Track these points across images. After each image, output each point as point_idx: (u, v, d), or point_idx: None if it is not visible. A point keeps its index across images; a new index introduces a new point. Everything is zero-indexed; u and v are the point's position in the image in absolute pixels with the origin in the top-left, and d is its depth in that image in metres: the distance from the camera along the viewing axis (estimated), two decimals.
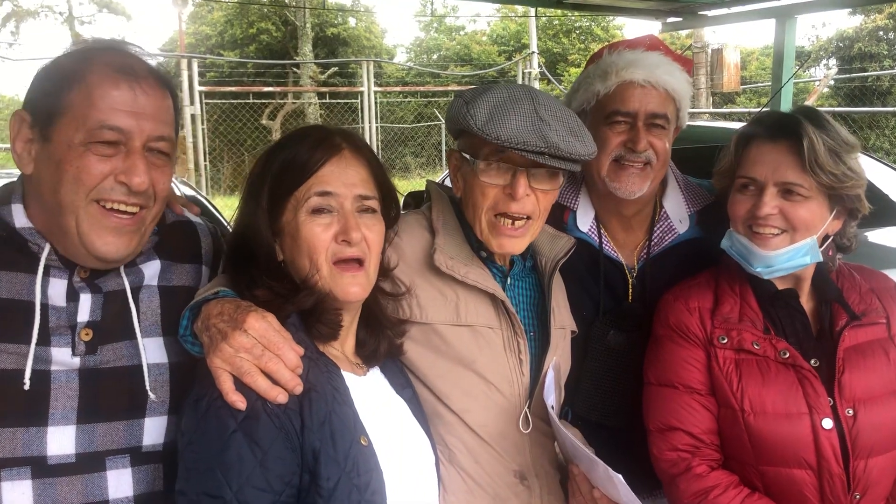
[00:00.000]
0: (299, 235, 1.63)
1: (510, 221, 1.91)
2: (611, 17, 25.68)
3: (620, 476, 1.71)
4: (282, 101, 20.44)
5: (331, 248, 1.63)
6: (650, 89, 2.23)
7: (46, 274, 1.57)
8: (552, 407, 1.91)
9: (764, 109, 6.06)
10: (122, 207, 1.56)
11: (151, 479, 1.61)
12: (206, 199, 5.20)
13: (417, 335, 1.92)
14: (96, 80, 1.53)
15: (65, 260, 1.59)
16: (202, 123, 13.78)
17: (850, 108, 14.34)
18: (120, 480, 1.57)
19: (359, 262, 1.66)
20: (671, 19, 6.74)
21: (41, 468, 1.51)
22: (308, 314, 1.62)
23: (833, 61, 25.77)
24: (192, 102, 13.49)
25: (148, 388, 1.61)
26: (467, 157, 1.93)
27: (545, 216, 1.99)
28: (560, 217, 2.33)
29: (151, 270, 1.73)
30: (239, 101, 16.46)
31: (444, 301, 1.93)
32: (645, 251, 2.37)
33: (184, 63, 13.64)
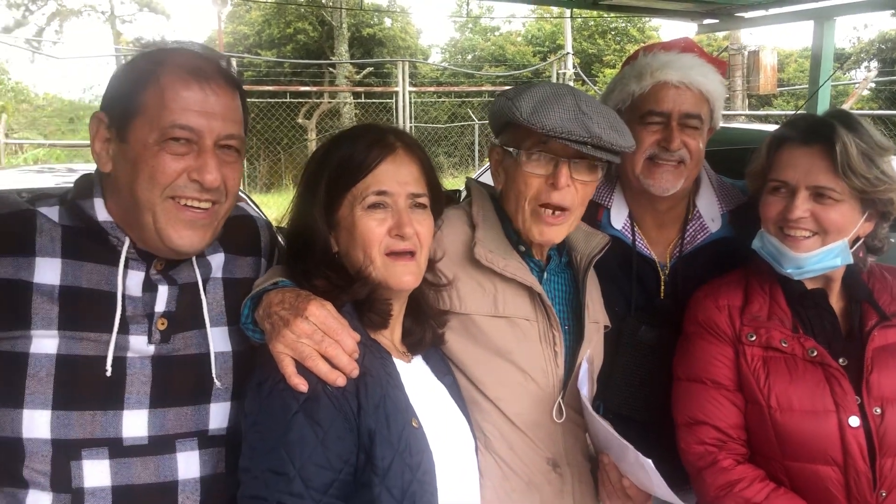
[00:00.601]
0: (355, 230, 1.72)
1: (551, 211, 1.99)
2: (647, 19, 25.56)
3: (650, 461, 1.78)
4: (318, 101, 20.62)
5: (384, 241, 1.72)
6: (684, 90, 2.29)
7: (125, 266, 1.67)
8: (586, 396, 1.98)
9: (800, 112, 6.05)
10: (196, 204, 1.65)
11: (216, 462, 1.71)
12: (246, 195, 5.33)
13: (457, 325, 2.00)
14: (168, 81, 1.61)
15: (142, 252, 1.69)
16: None
17: (891, 111, 14.17)
18: (188, 462, 1.67)
19: (411, 253, 1.75)
20: (707, 21, 6.74)
21: (118, 449, 1.60)
22: (361, 303, 1.72)
23: (874, 63, 25.40)
24: None
25: (214, 375, 1.71)
26: (510, 149, 2.01)
27: (583, 208, 2.07)
28: (594, 215, 2.40)
29: (217, 262, 1.83)
30: (275, 100, 16.64)
31: (483, 293, 2.01)
32: (677, 249, 2.43)
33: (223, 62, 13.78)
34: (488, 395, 2.00)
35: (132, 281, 1.68)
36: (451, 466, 1.74)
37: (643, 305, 2.40)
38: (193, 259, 1.75)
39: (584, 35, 28.46)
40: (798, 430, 1.98)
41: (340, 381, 1.53)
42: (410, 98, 15.55)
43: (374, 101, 18.06)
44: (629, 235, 2.42)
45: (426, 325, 1.89)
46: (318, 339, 1.54)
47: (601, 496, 2.07)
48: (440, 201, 1.90)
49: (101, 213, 1.69)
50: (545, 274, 2.12)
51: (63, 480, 1.57)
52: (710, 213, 2.44)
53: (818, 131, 2.01)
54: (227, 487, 1.67)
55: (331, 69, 24.02)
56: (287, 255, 1.81)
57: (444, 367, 1.96)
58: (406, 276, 1.74)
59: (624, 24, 28.82)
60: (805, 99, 6.60)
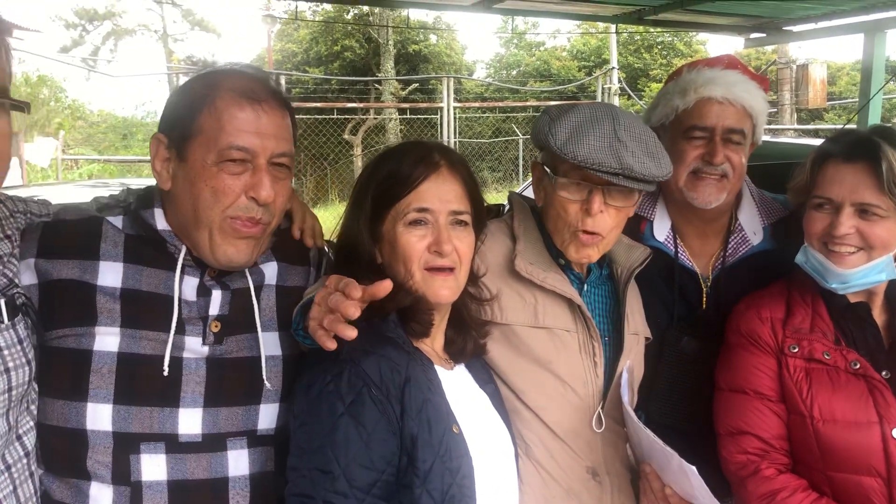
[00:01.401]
0: (397, 244, 1.78)
1: (587, 231, 2.02)
2: (693, 33, 25.39)
3: (694, 468, 1.80)
4: (364, 117, 20.84)
5: (424, 256, 1.78)
6: (728, 105, 2.32)
7: (182, 272, 1.77)
8: (627, 404, 2.01)
9: (849, 126, 5.96)
10: (251, 223, 1.75)
11: (264, 460, 1.78)
12: None
13: (498, 335, 2.04)
14: (223, 104, 1.69)
15: (197, 260, 1.79)
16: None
17: None
18: (238, 460, 1.75)
19: (450, 269, 1.80)
20: (754, 35, 6.71)
21: (174, 444, 1.69)
22: (404, 313, 1.77)
23: None
24: None
25: (265, 377, 1.79)
26: (548, 171, 2.05)
27: (620, 230, 2.10)
28: (637, 227, 2.44)
29: (271, 271, 1.92)
30: (322, 116, 16.87)
31: (524, 304, 2.06)
32: (719, 261, 2.45)
33: (272, 80, 14.02)
34: (529, 403, 2.04)
35: (188, 286, 1.77)
36: (490, 472, 1.78)
37: (685, 316, 2.42)
38: (246, 269, 1.84)
39: (630, 49, 28.35)
40: (841, 440, 1.98)
41: (349, 332, 1.52)
42: (455, 114, 15.63)
43: (419, 117, 18.20)
44: (672, 247, 2.45)
45: (468, 336, 1.94)
46: (327, 295, 1.60)
47: None
48: (483, 218, 1.94)
49: (161, 222, 1.79)
50: (585, 286, 2.16)
51: (123, 473, 1.66)
52: (751, 226, 2.46)
53: (862, 148, 2.02)
54: (275, 486, 1.74)
55: (377, 86, 24.26)
56: (335, 264, 1.87)
57: (487, 376, 2.00)
58: (444, 291, 1.79)
59: (670, 39, 28.66)
60: (856, 113, 6.52)
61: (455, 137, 15.77)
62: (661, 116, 2.43)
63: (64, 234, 1.76)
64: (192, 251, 1.78)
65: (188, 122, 1.71)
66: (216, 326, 1.77)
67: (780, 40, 8.40)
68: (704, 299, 2.43)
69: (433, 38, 28.38)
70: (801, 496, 2.00)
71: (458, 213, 1.81)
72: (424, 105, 18.64)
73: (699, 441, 2.29)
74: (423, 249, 1.77)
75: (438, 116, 15.60)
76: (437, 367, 1.79)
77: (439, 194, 1.79)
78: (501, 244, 2.12)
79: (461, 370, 1.93)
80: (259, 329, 1.81)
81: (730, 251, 2.45)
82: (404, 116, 19.93)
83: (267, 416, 1.79)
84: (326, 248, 2.07)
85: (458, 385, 1.84)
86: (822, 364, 2.05)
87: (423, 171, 1.80)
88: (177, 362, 1.71)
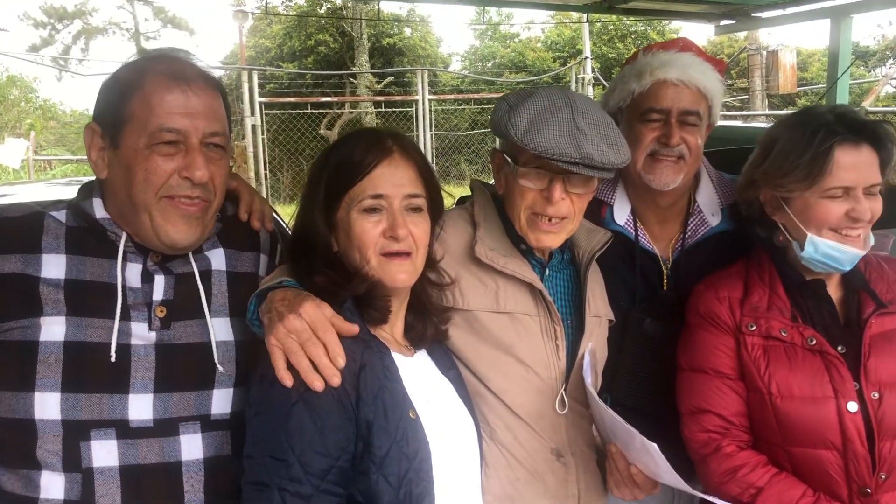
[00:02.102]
0: (352, 231, 1.79)
1: (547, 218, 2.05)
2: (666, 21, 25.51)
3: (655, 445, 1.82)
4: (339, 111, 20.78)
5: (379, 242, 1.78)
6: (683, 87, 2.35)
7: (124, 259, 1.78)
8: (590, 384, 2.03)
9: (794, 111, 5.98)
10: (188, 202, 1.77)
11: (219, 444, 1.79)
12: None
13: (460, 321, 2.06)
14: (152, 88, 1.71)
15: (139, 246, 1.80)
16: (262, 133, 14.12)
17: None
18: (191, 444, 1.76)
19: (406, 254, 1.81)
20: (724, 22, 6.77)
21: (124, 430, 1.70)
22: (361, 300, 1.78)
23: None
24: (252, 113, 13.83)
25: (217, 362, 1.80)
26: (508, 160, 2.07)
27: (581, 215, 2.12)
28: (597, 211, 2.46)
29: (218, 258, 1.92)
30: (297, 111, 16.79)
31: (485, 289, 2.07)
32: (679, 243, 2.48)
33: (244, 75, 13.99)
34: (492, 387, 2.06)
35: (131, 272, 1.79)
36: (450, 456, 1.80)
37: (647, 298, 2.45)
38: (190, 253, 1.85)
39: (604, 39, 28.47)
40: (798, 416, 2.02)
41: (318, 384, 1.58)
42: (430, 106, 15.61)
43: (394, 110, 18.16)
44: (632, 231, 2.48)
45: (428, 321, 1.95)
46: (305, 338, 1.61)
47: (609, 485, 2.12)
48: (439, 204, 1.95)
49: (100, 211, 1.81)
50: (547, 271, 2.18)
51: (74, 460, 1.66)
52: (710, 207, 2.49)
53: (864, 130, 2.05)
54: (232, 470, 1.76)
55: (351, 80, 24.19)
56: (290, 254, 1.88)
57: (449, 362, 2.02)
58: (400, 275, 1.80)
59: (644, 28, 28.79)
60: (822, 97, 6.59)
61: (431, 130, 15.76)
62: (618, 100, 2.45)
63: (6, 231, 1.77)
64: (133, 238, 1.79)
65: (119, 110, 1.73)
66: (161, 312, 1.78)
67: (750, 26, 8.46)
68: (665, 281, 2.47)
69: (408, 31, 28.36)
70: (761, 471, 2.04)
71: (412, 198, 1.82)
72: (399, 98, 18.61)
73: (664, 421, 2.31)
74: (379, 235, 1.78)
75: (414, 109, 15.58)
76: (395, 354, 1.80)
77: (392, 180, 1.80)
78: (462, 231, 2.13)
79: (422, 356, 1.94)
80: (207, 314, 1.82)
81: (689, 233, 2.48)
82: (380, 110, 19.89)
83: (221, 401, 1.80)
84: (280, 235, 2.08)
85: (417, 371, 1.86)
86: (779, 341, 2.08)
87: (376, 157, 1.80)
88: (125, 349, 1.72)
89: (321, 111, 18.70)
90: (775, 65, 13.27)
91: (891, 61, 26.27)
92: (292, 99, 17.19)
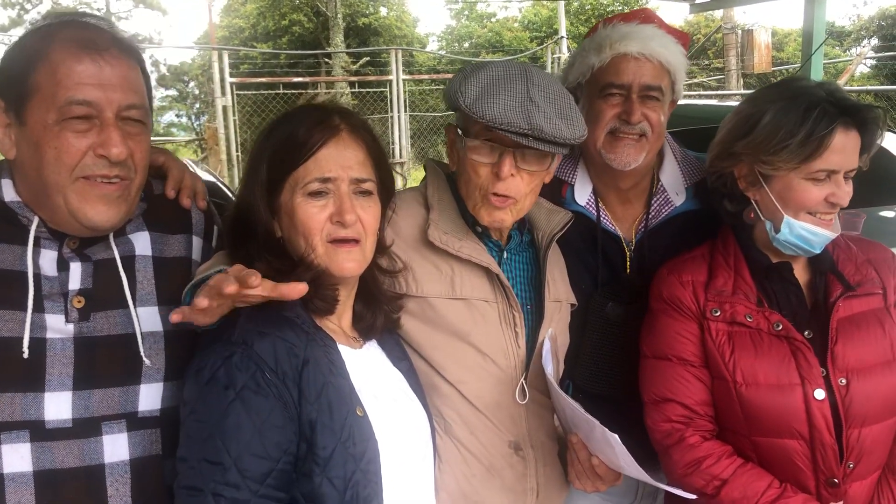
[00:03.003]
0: (296, 216, 1.68)
1: (500, 198, 1.95)
2: (642, 1, 25.43)
3: (616, 436, 1.75)
4: (315, 92, 20.56)
5: (326, 228, 1.68)
6: (644, 61, 2.25)
7: (37, 245, 1.64)
8: (550, 374, 1.95)
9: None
10: (106, 180, 1.62)
11: (149, 444, 1.67)
12: (222, 182, 5.31)
13: (414, 308, 1.97)
14: (59, 57, 1.56)
15: (54, 231, 1.66)
16: (234, 115, 13.92)
17: (891, 87, 14.04)
18: (115, 445, 1.63)
19: (355, 240, 1.71)
20: (700, 0, 6.70)
21: (39, 432, 1.57)
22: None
23: (875, 41, 25.25)
24: (223, 94, 13.61)
25: (143, 354, 1.68)
26: (460, 133, 1.97)
27: (534, 196, 2.02)
28: (558, 191, 2.36)
29: (143, 241, 1.78)
30: (270, 91, 16.57)
31: (440, 275, 1.98)
32: (642, 224, 2.39)
33: (214, 55, 13.76)
34: (448, 378, 1.97)
35: (45, 260, 1.65)
36: (400, 454, 1.71)
37: (609, 281, 2.36)
38: (111, 237, 1.72)
39: (581, 19, 28.31)
40: (764, 404, 1.94)
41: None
42: (405, 86, 15.44)
43: (370, 90, 17.96)
44: (593, 211, 2.38)
45: (378, 310, 1.85)
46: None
47: (570, 477, 2.05)
48: (390, 187, 1.85)
49: (9, 193, 1.66)
50: (505, 254, 2.09)
51: None
52: (674, 186, 2.40)
53: (857, 114, 1.97)
54: (163, 470, 1.65)
55: (327, 60, 23.92)
56: (228, 239, 1.76)
57: (401, 352, 1.93)
58: (348, 263, 1.70)
59: (621, 7, 28.66)
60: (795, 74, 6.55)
61: (406, 111, 15.60)
62: (578, 75, 2.35)
63: None
64: (48, 222, 1.65)
65: (23, 82, 1.58)
66: (79, 302, 1.64)
67: (725, 4, 8.38)
68: (628, 263, 2.38)
69: (383, 11, 28.11)
70: (725, 462, 1.97)
71: (360, 182, 1.72)
72: (373, 78, 18.40)
73: (627, 409, 2.24)
74: (325, 220, 1.68)
75: (388, 89, 15.40)
76: (342, 347, 1.70)
77: (340, 161, 1.69)
78: (415, 214, 2.03)
79: (372, 348, 1.85)
80: (131, 303, 1.69)
81: (652, 213, 2.39)
82: (356, 91, 19.69)
83: (149, 397, 1.68)
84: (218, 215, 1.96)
85: (366, 364, 1.76)
86: (744, 327, 2.01)
87: (322, 136, 1.69)
88: (39, 343, 1.59)
89: (296, 92, 18.48)
90: (750, 44, 13.21)
91: (864, 41, 26.38)
92: (264, 79, 16.96)
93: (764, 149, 1.98)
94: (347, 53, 23.45)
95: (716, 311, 2.03)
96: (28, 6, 32.92)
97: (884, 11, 25.24)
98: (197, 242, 1.89)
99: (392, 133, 14.42)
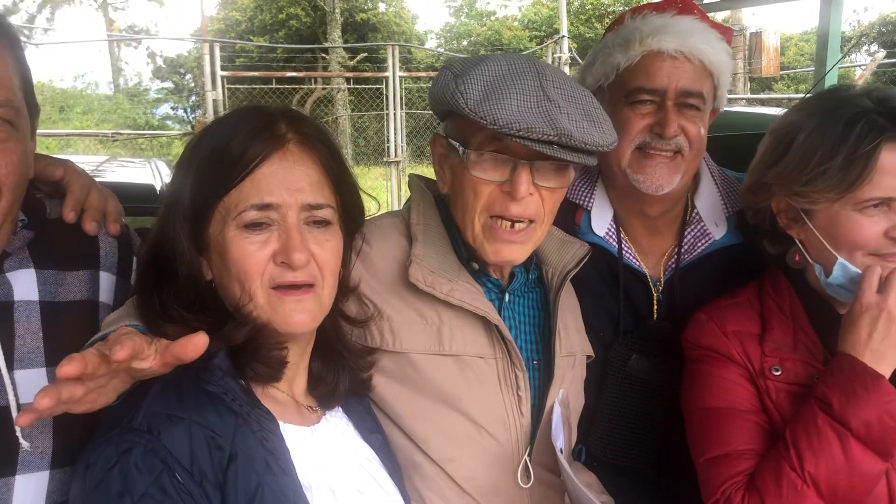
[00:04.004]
0: (227, 255, 1.28)
1: (509, 224, 1.56)
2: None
3: None
4: (311, 87, 20.26)
5: (268, 270, 1.28)
6: (682, 61, 1.83)
7: None
8: (561, 451, 1.56)
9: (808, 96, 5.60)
10: None
11: None
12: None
13: (390, 367, 1.56)
14: None
15: None
16: (224, 109, 13.52)
17: None
18: None
19: (308, 285, 1.31)
20: (709, 1, 6.40)
21: None
22: (241, 351, 1.27)
23: (874, 47, 24.99)
24: (213, 87, 13.22)
25: (19, 435, 1.26)
26: (456, 144, 1.56)
27: (551, 218, 1.63)
28: (571, 218, 1.97)
29: (25, 282, 1.38)
30: (267, 86, 16.21)
31: (424, 325, 1.57)
32: (673, 260, 1.98)
33: (205, 47, 13.38)
34: (432, 455, 1.56)
35: None
36: None
37: (633, 329, 1.96)
38: None
39: (581, 19, 28.00)
40: (841, 488, 1.53)
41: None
42: (402, 83, 15.03)
43: (368, 87, 17.59)
44: (614, 243, 1.97)
45: (341, 371, 1.46)
46: None
47: None
48: (357, 212, 1.45)
49: None
50: (507, 296, 1.69)
51: None
52: (712, 215, 1.99)
53: None
54: None
55: (324, 56, 23.59)
56: (140, 283, 1.35)
57: (372, 423, 1.53)
58: (298, 316, 1.30)
59: (622, 8, 28.29)
60: (807, 83, 6.23)
61: (402, 108, 15.20)
62: (599, 77, 1.93)
63: None
64: None
65: None
66: None
67: (735, 5, 8.02)
68: (656, 307, 1.97)
69: (382, 7, 27.88)
70: None
71: (314, 208, 1.31)
72: (368, 74, 18.01)
73: (652, 482, 1.88)
74: (266, 260, 1.28)
75: (384, 86, 15.01)
76: (289, 427, 1.29)
77: (286, 182, 1.29)
78: (394, 246, 1.63)
79: (334, 418, 1.45)
80: (3, 368, 1.28)
81: (686, 247, 1.98)
82: (353, 87, 19.38)
83: (30, 492, 1.28)
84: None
85: (323, 446, 1.36)
86: (810, 389, 1.61)
87: (262, 148, 1.28)
88: None
89: (292, 86, 18.20)
90: (758, 47, 12.81)
91: (865, 47, 26.08)
92: (256, 73, 16.59)
93: (796, 178, 1.63)
94: (345, 49, 23.14)
95: (776, 370, 1.65)
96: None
97: (884, 18, 24.96)
98: (106, 280, 1.48)
99: (388, 130, 14.02)
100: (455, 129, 1.60)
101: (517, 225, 1.56)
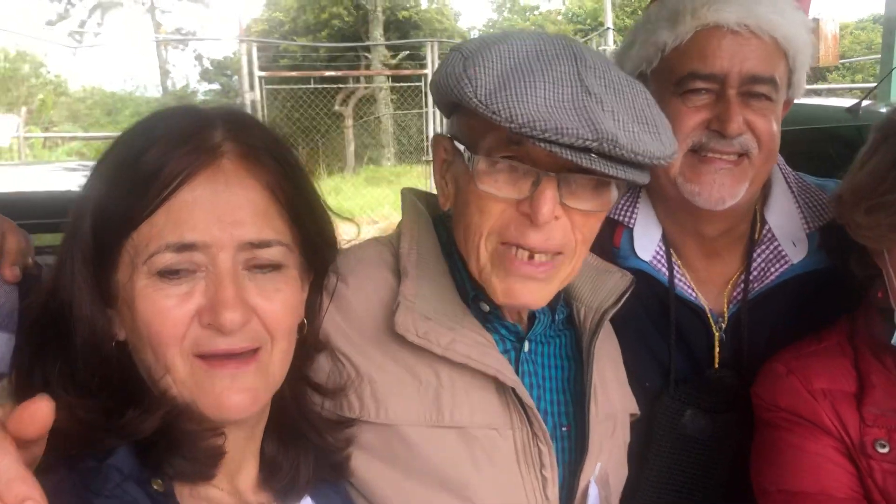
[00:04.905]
0: (136, 311, 0.94)
1: (527, 253, 1.19)
2: None
3: None
4: (354, 86, 20.24)
5: (191, 334, 0.95)
6: (748, 37, 1.46)
7: None
8: None
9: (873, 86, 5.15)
10: None
11: None
12: None
13: (374, 443, 1.22)
14: None
15: None
16: (262, 110, 13.39)
17: None
18: None
19: (253, 351, 0.98)
20: None
21: None
22: (158, 442, 0.94)
23: None
24: (251, 88, 13.07)
25: None
26: (461, 147, 1.21)
27: (585, 250, 1.26)
28: (609, 238, 1.60)
29: None
30: (299, 86, 16.12)
31: (417, 388, 1.23)
32: (739, 290, 1.60)
33: (242, 48, 13.29)
34: None
35: None
36: None
37: (688, 378, 1.59)
38: None
39: (627, 12, 27.51)
40: None
41: None
42: None
43: (410, 84, 17.41)
44: (664, 270, 1.60)
45: (303, 453, 1.12)
46: None
47: None
48: (322, 248, 1.10)
49: None
50: (526, 345, 1.32)
51: None
52: (788, 232, 1.60)
53: None
54: None
55: (366, 54, 23.55)
56: (20, 347, 1.03)
57: None
58: (234, 398, 0.96)
59: None
60: (866, 71, 5.80)
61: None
62: (639, 61, 1.56)
63: None
64: None
65: None
66: None
67: None
68: (717, 351, 1.60)
69: (424, 4, 27.85)
70: None
71: (258, 247, 0.97)
72: (407, 72, 17.82)
73: None
74: (189, 320, 0.95)
75: (423, 84, 14.75)
76: None
77: (217, 212, 0.95)
78: (379, 284, 1.28)
79: None
80: None
81: (755, 274, 1.60)
82: (395, 85, 19.26)
83: None
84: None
85: None
86: None
87: (185, 164, 0.95)
88: None
89: (335, 86, 18.15)
90: (816, 35, 12.23)
91: None
92: (293, 73, 16.57)
93: (861, 200, 1.34)
94: (386, 47, 23.08)
95: (882, 446, 1.29)
96: (75, 0, 33.34)
97: None
98: (3, 340, 1.17)
99: (427, 128, 13.76)
100: (462, 128, 1.24)
101: (538, 257, 1.20)
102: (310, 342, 1.12)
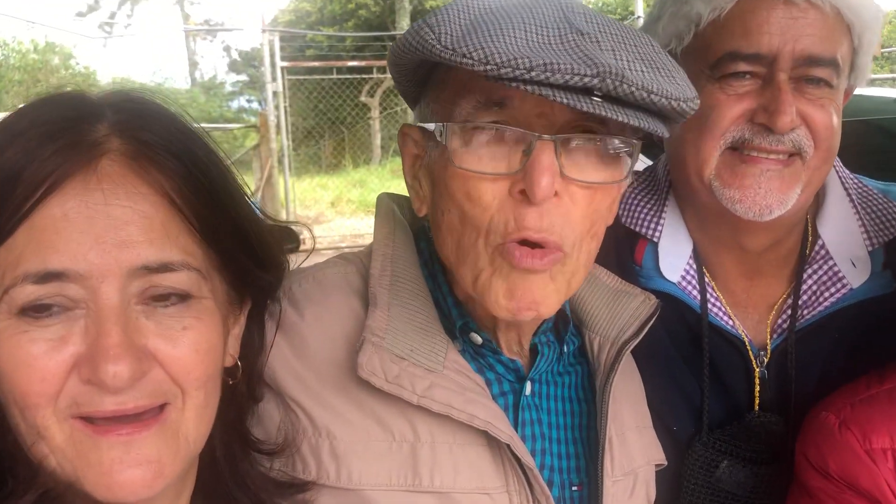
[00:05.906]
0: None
1: (528, 245, 0.95)
2: None
3: None
4: (381, 76, 20.28)
5: (68, 390, 0.74)
6: (806, 8, 1.21)
7: None
8: None
9: None
10: None
11: None
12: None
13: None
14: None
15: None
16: (284, 101, 13.31)
17: None
18: None
19: (159, 406, 0.77)
20: None
21: None
22: None
23: None
24: (273, 79, 12.99)
25: None
26: (431, 128, 0.99)
27: (594, 244, 1.02)
28: (629, 254, 1.37)
29: None
30: (325, 77, 16.08)
31: (389, 443, 1.00)
32: (786, 318, 1.35)
33: (265, 39, 13.24)
34: None
35: None
36: None
37: (724, 422, 1.35)
38: None
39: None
40: None
41: None
42: None
43: None
44: (695, 293, 1.35)
45: None
46: None
47: None
48: (254, 269, 0.88)
49: None
50: (528, 385, 1.09)
51: None
52: (847, 249, 1.34)
53: None
54: None
55: (392, 44, 23.61)
56: None
57: None
58: (127, 473, 0.76)
59: None
60: None
61: None
62: (668, 38, 1.31)
63: None
64: None
65: None
66: None
67: None
68: (758, 390, 1.34)
69: None
70: None
71: (155, 271, 0.76)
72: None
73: None
74: (63, 373, 0.74)
75: None
76: None
77: (95, 230, 0.75)
78: (342, 314, 1.05)
79: None
80: None
81: (806, 298, 1.35)
82: None
83: None
84: None
85: None
86: None
87: (52, 166, 0.74)
88: None
89: (362, 76, 18.13)
90: None
91: None
92: (316, 63, 16.58)
93: None
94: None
95: None
96: None
97: None
98: None
99: None
100: (432, 107, 1.02)
101: (536, 243, 0.94)
102: (243, 390, 0.90)
